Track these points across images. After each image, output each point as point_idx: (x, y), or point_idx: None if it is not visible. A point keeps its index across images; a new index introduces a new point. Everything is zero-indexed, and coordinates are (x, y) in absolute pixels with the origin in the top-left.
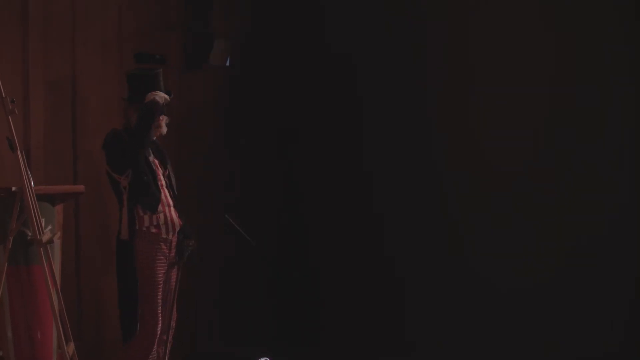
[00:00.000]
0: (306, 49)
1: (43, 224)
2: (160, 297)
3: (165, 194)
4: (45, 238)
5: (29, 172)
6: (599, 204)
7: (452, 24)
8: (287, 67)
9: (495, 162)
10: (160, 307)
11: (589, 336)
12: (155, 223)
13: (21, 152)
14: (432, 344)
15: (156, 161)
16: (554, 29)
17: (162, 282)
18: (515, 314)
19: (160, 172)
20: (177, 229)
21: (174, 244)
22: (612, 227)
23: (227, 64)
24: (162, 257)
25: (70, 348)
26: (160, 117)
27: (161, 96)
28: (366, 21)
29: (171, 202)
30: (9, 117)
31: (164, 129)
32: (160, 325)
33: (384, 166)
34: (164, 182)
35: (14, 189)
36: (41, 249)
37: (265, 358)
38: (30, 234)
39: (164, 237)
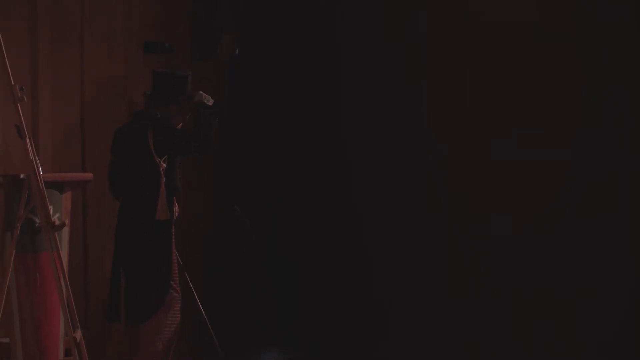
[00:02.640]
0: (296, 46)
1: (51, 211)
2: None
3: None
4: (53, 225)
5: (37, 159)
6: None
7: (447, 21)
8: (276, 64)
9: (491, 160)
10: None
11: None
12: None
13: (30, 140)
14: (414, 335)
15: None
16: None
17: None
18: (506, 311)
19: None
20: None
21: None
22: (612, 225)
23: (237, 53)
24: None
25: (78, 334)
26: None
27: (208, 97)
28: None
29: None
30: (18, 105)
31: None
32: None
33: (365, 157)
34: None
35: (22, 176)
36: (49, 237)
37: (271, 348)
38: (38, 221)
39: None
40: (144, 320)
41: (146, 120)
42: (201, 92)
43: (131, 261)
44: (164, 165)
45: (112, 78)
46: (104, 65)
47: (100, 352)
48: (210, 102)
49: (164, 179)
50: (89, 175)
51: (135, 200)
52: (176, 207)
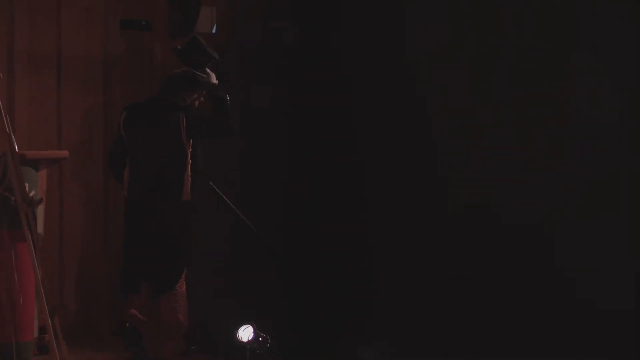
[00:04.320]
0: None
1: (27, 189)
2: None
3: None
4: (28, 203)
5: (13, 136)
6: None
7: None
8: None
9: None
10: None
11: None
12: None
13: (5, 117)
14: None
15: None
16: None
17: None
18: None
19: None
20: None
21: None
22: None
23: (213, 31)
24: None
25: (53, 312)
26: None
27: (213, 75)
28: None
29: None
30: None
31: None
32: None
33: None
34: None
35: None
36: (24, 214)
37: (248, 325)
38: (13, 198)
39: None
40: (167, 290)
41: (175, 104)
42: (207, 69)
43: (158, 238)
44: (190, 149)
45: (90, 54)
46: (81, 41)
47: (75, 330)
48: (215, 80)
49: (190, 161)
50: (65, 153)
51: (162, 182)
52: None
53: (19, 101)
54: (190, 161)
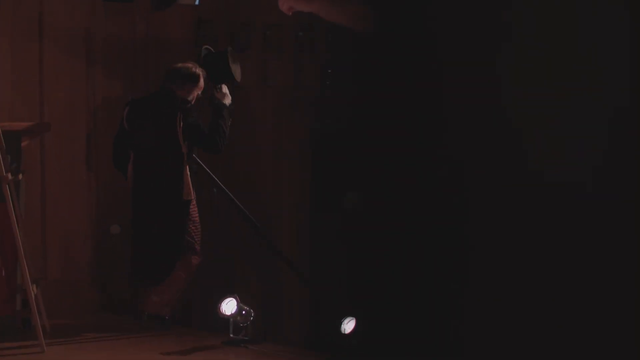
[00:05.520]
0: None
1: (9, 161)
2: None
3: None
4: (10, 175)
5: None
6: None
7: None
8: None
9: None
10: None
11: None
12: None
13: None
14: None
15: None
16: None
17: None
18: None
19: None
20: None
21: None
22: None
23: (197, 2)
24: None
25: (34, 285)
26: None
27: (227, 94)
28: None
29: None
30: None
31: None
32: None
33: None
34: None
35: None
36: (6, 186)
37: (231, 298)
38: None
39: None
40: (153, 285)
41: (175, 103)
42: (224, 87)
43: (153, 235)
44: (186, 149)
45: (72, 28)
46: (64, 16)
47: (58, 303)
48: (228, 100)
49: (187, 160)
50: (47, 125)
51: (163, 181)
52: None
53: (1, 75)
54: (188, 161)
